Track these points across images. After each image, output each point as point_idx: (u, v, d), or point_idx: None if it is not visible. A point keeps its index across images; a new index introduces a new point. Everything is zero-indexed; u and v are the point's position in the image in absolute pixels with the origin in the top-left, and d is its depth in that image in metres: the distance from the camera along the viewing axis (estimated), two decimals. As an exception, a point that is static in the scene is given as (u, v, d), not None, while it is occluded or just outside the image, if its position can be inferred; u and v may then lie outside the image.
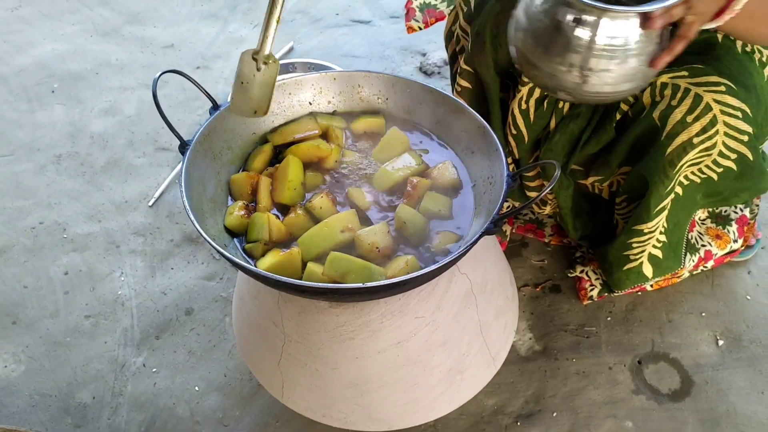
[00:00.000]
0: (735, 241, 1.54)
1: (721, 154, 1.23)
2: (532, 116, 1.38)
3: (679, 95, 1.21)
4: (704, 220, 1.55)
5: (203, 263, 1.74)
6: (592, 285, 1.58)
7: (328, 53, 2.45)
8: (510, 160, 1.50)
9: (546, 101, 1.36)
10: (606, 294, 1.58)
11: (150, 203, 1.89)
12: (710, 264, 1.54)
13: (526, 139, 1.41)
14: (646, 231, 1.34)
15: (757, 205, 1.58)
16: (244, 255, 1.13)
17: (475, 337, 1.26)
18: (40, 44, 2.49)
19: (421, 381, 1.22)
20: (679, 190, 1.29)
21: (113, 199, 1.92)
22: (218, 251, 1.00)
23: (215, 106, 1.23)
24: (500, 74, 1.37)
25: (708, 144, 1.21)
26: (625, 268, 1.42)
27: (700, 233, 1.53)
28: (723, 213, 1.55)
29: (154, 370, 1.53)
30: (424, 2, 1.80)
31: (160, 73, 1.13)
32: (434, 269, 0.99)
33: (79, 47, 2.48)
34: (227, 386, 1.50)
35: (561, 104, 1.36)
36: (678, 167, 1.24)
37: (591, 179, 1.43)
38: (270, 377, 1.29)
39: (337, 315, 1.16)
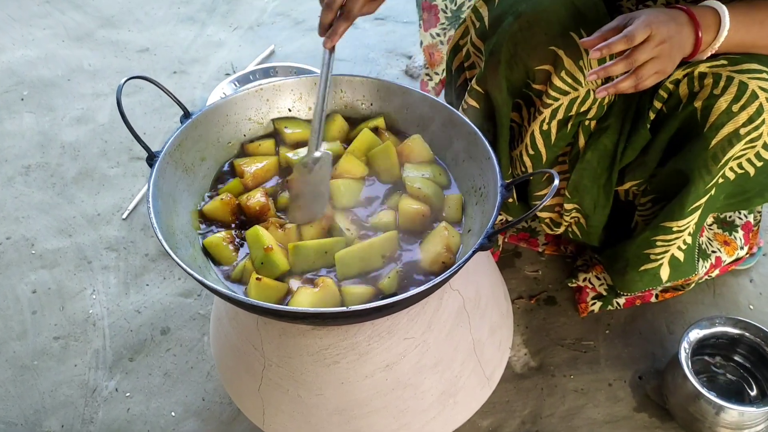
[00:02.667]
0: (741, 248, 1.47)
1: (765, 145, 1.15)
2: (553, 137, 1.29)
3: (722, 83, 1.13)
4: (711, 225, 1.48)
5: (180, 279, 1.65)
6: (594, 296, 1.51)
7: (310, 57, 2.38)
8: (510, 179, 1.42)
9: (570, 123, 1.27)
10: (609, 307, 1.51)
11: (124, 216, 1.80)
12: (715, 272, 1.47)
13: (544, 159, 1.32)
14: (675, 229, 1.25)
15: (759, 212, 1.51)
16: (219, 278, 1.04)
17: (468, 356, 1.19)
18: (10, 50, 2.41)
19: (412, 405, 1.15)
20: (712, 189, 1.21)
21: (85, 212, 1.83)
22: (189, 273, 0.91)
23: (186, 114, 1.15)
24: (513, 95, 1.29)
25: (754, 135, 1.13)
26: (642, 268, 1.34)
27: (710, 239, 1.46)
28: (728, 218, 1.48)
29: (128, 394, 1.44)
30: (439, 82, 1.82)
31: (124, 79, 1.04)
32: (424, 290, 0.92)
33: (50, 52, 2.40)
34: (206, 411, 1.41)
35: (587, 121, 1.28)
36: (722, 161, 1.15)
37: (628, 184, 1.34)
38: (250, 403, 1.21)
39: (321, 338, 1.08)
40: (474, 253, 0.94)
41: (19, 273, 1.68)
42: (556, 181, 0.93)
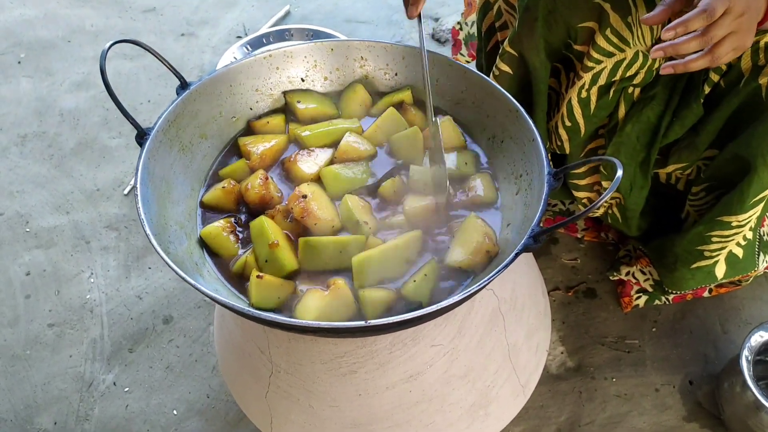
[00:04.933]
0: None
1: None
2: (593, 106, 1.15)
3: None
4: (771, 213, 1.32)
5: (184, 262, 1.52)
6: (639, 290, 1.36)
7: (328, 18, 2.23)
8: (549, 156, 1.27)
9: (613, 89, 1.13)
10: (656, 302, 1.36)
11: (125, 191, 1.68)
12: (776, 267, 1.32)
13: (582, 131, 1.18)
14: (734, 224, 1.11)
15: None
16: (218, 276, 0.91)
17: (502, 364, 1.06)
18: (6, 9, 2.29)
19: (438, 420, 1.02)
20: None
21: (84, 186, 1.71)
22: (181, 276, 0.77)
23: (183, 85, 1.00)
24: (551, 58, 1.14)
25: None
26: (694, 265, 1.20)
27: None
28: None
29: (126, 389, 1.32)
30: (468, 33, 1.67)
31: (108, 44, 0.89)
32: (457, 300, 0.78)
33: (49, 12, 2.27)
34: (210, 409, 1.29)
35: (631, 89, 1.12)
36: None
37: (672, 167, 1.19)
38: (256, 409, 1.09)
39: (336, 344, 0.95)
40: (517, 255, 0.80)
41: (12, 253, 1.56)
42: (620, 172, 0.77)
